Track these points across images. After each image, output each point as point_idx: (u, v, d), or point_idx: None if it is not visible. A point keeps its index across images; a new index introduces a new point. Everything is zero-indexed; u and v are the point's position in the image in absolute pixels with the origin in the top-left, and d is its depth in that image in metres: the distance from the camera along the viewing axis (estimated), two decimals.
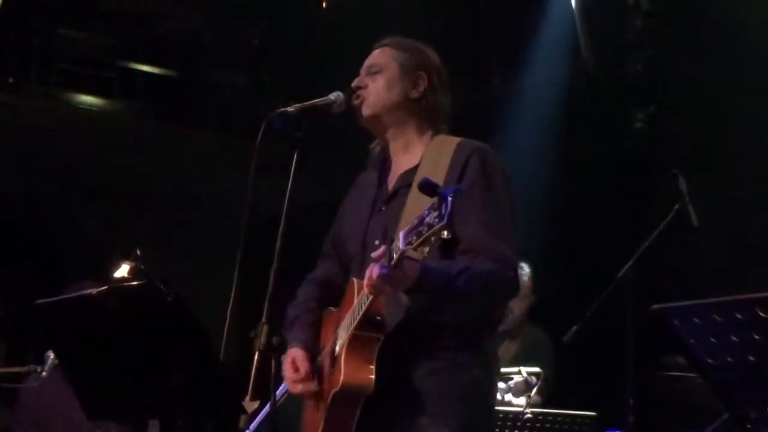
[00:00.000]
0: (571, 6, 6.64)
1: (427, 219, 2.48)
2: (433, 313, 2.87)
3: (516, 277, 2.95)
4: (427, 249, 2.55)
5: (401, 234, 2.57)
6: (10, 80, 7.82)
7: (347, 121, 3.18)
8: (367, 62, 3.22)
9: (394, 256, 2.60)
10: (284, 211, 2.97)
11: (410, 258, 2.62)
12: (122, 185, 8.62)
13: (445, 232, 2.45)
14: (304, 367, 3.03)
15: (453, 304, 2.87)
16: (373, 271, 2.67)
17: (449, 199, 2.43)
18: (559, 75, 6.92)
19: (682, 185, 5.07)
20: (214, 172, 8.48)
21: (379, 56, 3.21)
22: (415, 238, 2.52)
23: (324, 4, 7.99)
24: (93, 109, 8.22)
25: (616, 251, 5.67)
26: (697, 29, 6.15)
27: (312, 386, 3.03)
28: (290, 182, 3.01)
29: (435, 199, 2.47)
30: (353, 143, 3.37)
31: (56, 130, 8.15)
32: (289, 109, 3.07)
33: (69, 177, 8.43)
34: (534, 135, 6.96)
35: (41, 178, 8.39)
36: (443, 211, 2.43)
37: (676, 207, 5.05)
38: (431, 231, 2.47)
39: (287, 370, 3.06)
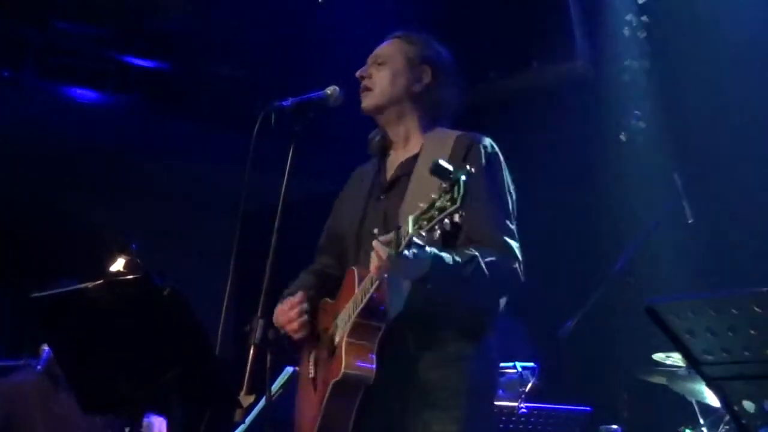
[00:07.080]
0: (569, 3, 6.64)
1: (439, 203, 2.46)
2: (439, 302, 2.84)
3: (519, 267, 2.93)
4: (436, 234, 2.52)
5: (410, 218, 2.54)
6: (5, 73, 7.78)
7: (344, 115, 3.18)
8: (375, 52, 3.24)
9: (403, 241, 2.57)
10: (280, 204, 2.97)
11: (418, 244, 2.59)
12: (117, 178, 8.60)
13: (457, 216, 2.43)
14: (298, 299, 3.08)
15: (460, 293, 2.84)
16: (382, 253, 2.63)
17: (462, 180, 2.42)
18: (558, 71, 6.91)
19: (678, 182, 5.08)
20: (210, 165, 8.46)
21: (386, 48, 3.24)
22: (425, 222, 2.50)
23: None
24: (87, 102, 8.19)
25: (612, 246, 5.68)
26: (694, 26, 6.14)
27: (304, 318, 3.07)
28: (286, 175, 3.01)
29: (443, 184, 2.45)
30: (350, 136, 3.37)
31: (50, 123, 8.12)
32: (285, 102, 3.07)
33: (63, 170, 8.40)
34: (531, 132, 6.95)
35: (35, 171, 8.37)
36: (456, 194, 2.42)
37: (672, 203, 5.07)
38: (444, 214, 2.45)
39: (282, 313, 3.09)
